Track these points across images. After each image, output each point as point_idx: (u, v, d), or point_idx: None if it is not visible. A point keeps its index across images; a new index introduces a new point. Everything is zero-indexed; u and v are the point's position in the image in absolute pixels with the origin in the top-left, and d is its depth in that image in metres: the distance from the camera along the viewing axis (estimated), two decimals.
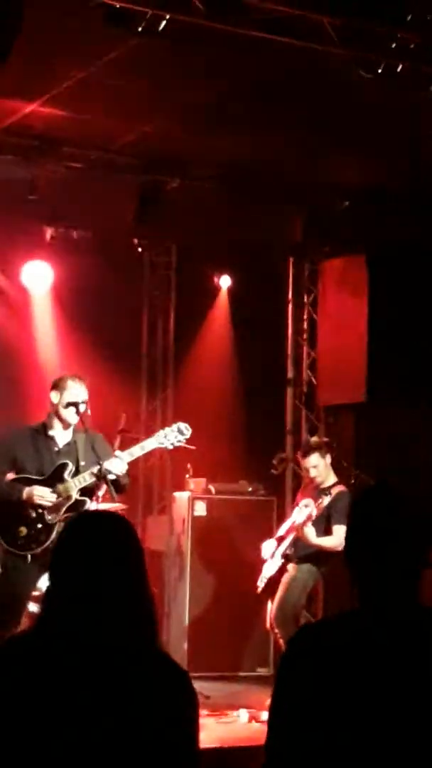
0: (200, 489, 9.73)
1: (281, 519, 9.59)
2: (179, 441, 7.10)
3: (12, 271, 9.83)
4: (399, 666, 2.43)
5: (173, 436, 7.09)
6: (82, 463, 6.83)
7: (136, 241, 9.99)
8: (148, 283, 10.80)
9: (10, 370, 9.46)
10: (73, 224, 9.67)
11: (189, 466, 9.66)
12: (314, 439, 9.25)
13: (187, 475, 9.72)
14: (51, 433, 6.90)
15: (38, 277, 9.83)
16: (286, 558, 8.03)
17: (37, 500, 6.72)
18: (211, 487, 9.74)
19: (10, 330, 9.78)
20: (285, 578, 8.01)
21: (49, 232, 9.66)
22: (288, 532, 8.06)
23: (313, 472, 8.01)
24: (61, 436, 6.92)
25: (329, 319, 10.23)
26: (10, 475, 6.87)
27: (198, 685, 7.94)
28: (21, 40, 5.80)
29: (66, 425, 6.89)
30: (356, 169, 8.80)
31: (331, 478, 8.05)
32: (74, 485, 6.79)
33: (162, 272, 10.83)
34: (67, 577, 2.54)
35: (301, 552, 7.95)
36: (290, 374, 10.70)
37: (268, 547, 8.17)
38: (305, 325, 10.69)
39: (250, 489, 9.92)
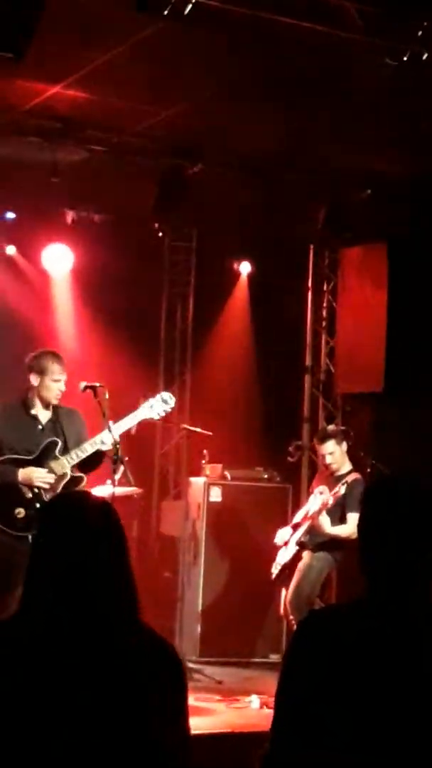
0: (216, 475, 9.73)
1: (296, 506, 9.60)
2: (165, 410, 7.11)
3: (33, 253, 9.84)
4: (403, 657, 2.44)
5: (159, 405, 7.08)
6: (68, 440, 6.85)
7: (156, 225, 9.98)
8: (168, 268, 10.80)
9: (29, 353, 9.46)
10: (95, 208, 9.67)
11: (205, 451, 9.66)
12: (331, 426, 9.25)
13: (203, 461, 9.72)
14: (33, 412, 6.89)
15: (59, 259, 9.84)
16: (301, 545, 8.04)
17: (36, 482, 6.71)
18: (227, 473, 9.75)
19: (30, 312, 9.78)
20: (300, 566, 8.03)
21: (70, 216, 9.67)
22: (303, 519, 8.07)
23: (328, 459, 8.02)
24: (42, 414, 6.91)
25: (349, 308, 10.20)
26: None
27: (210, 670, 7.99)
28: (46, 21, 5.80)
29: (47, 404, 6.89)
30: (380, 158, 8.75)
31: (347, 466, 8.06)
32: (67, 462, 6.79)
33: (182, 257, 10.82)
34: (49, 557, 2.56)
35: (316, 540, 7.96)
36: (308, 362, 10.68)
37: (282, 534, 8.19)
38: (324, 313, 10.67)
39: (266, 476, 9.92)
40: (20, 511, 6.66)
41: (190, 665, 8.68)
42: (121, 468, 6.84)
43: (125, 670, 2.47)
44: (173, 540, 9.96)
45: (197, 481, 9.78)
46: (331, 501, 7.72)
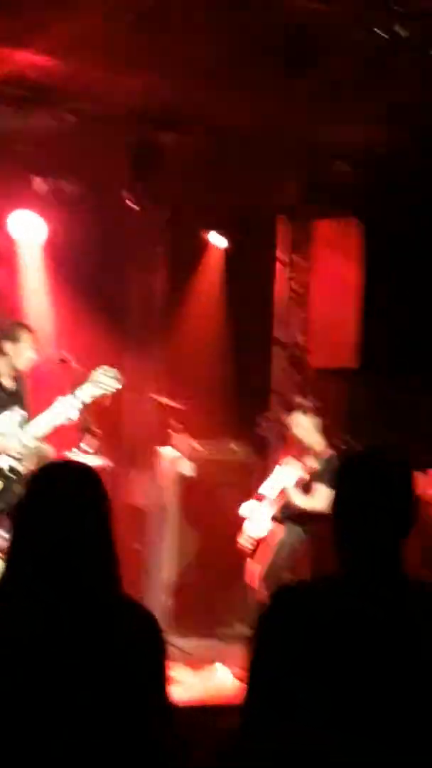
0: (185, 446, 9.72)
1: (264, 479, 9.61)
2: (109, 384, 6.94)
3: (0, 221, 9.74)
4: (379, 633, 2.43)
5: (105, 379, 6.94)
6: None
7: (129, 196, 9.90)
8: (139, 239, 10.73)
9: None
10: (65, 177, 9.58)
11: (173, 421, 9.64)
12: (301, 400, 9.25)
13: (172, 431, 9.70)
14: (2, 380, 6.91)
15: (26, 227, 9.74)
16: (276, 519, 8.03)
17: (11, 452, 6.72)
18: (196, 445, 9.74)
19: None
20: (273, 540, 8.03)
21: (37, 182, 9.56)
22: (278, 497, 8.07)
23: (297, 431, 7.99)
24: (8, 383, 6.94)
25: (321, 282, 10.19)
26: None
27: (180, 642, 7.96)
28: None
29: (17, 373, 6.90)
30: (355, 133, 8.72)
31: (317, 440, 8.03)
32: (34, 432, 6.77)
33: (154, 229, 10.75)
34: (34, 525, 2.53)
35: (288, 513, 7.96)
36: (278, 334, 10.66)
37: (248, 505, 8.19)
38: (294, 286, 10.63)
39: (235, 448, 9.92)
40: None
41: None
42: (87, 437, 6.80)
43: (109, 641, 2.46)
44: (141, 511, 9.95)
45: (166, 452, 9.76)
46: (305, 475, 7.73)
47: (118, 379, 7.00)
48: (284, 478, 7.97)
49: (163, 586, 9.42)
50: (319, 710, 2.39)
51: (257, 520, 8.09)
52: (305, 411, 8.05)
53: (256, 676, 2.51)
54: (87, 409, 6.83)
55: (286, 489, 7.83)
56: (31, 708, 2.39)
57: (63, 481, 2.61)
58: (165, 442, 9.86)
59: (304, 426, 7.97)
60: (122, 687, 2.43)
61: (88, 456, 7.05)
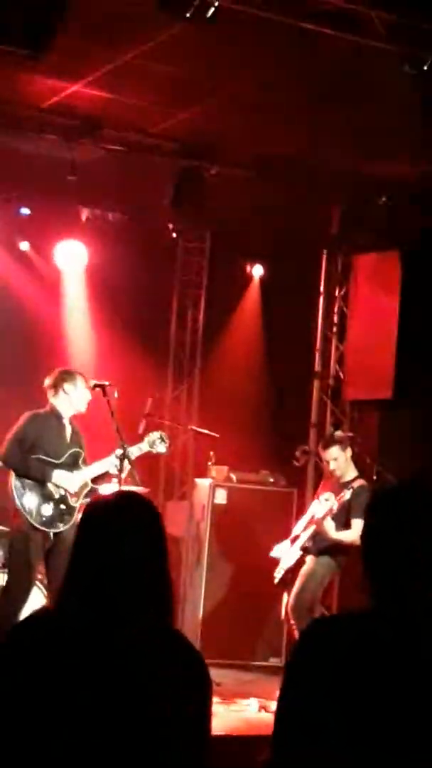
0: (222, 477, 9.74)
1: (301, 511, 9.59)
2: (161, 449, 7.67)
3: (46, 249, 9.87)
4: (409, 668, 2.42)
5: (159, 444, 7.61)
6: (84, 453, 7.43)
7: (171, 226, 9.99)
8: (180, 269, 10.81)
9: (37, 348, 9.49)
10: (110, 206, 9.69)
11: (212, 453, 9.66)
12: (337, 432, 9.25)
13: (210, 462, 9.72)
14: (64, 421, 7.39)
15: (71, 256, 9.86)
16: (305, 550, 8.04)
17: (67, 485, 7.23)
18: (233, 476, 9.75)
19: (40, 308, 9.82)
20: (303, 570, 8.03)
21: (84, 213, 9.70)
22: (307, 526, 8.07)
23: (332, 465, 8.02)
24: (69, 425, 7.42)
25: (360, 314, 10.20)
26: None
27: (209, 672, 7.91)
28: (68, 19, 5.81)
29: (71, 415, 7.39)
30: (397, 165, 8.75)
31: (351, 473, 8.04)
32: (89, 474, 7.33)
33: (195, 259, 10.84)
34: (90, 554, 2.56)
35: (320, 544, 7.96)
36: (317, 367, 10.66)
37: (281, 547, 8.20)
38: (335, 319, 10.66)
39: (271, 480, 9.92)
40: (46, 508, 7.18)
41: None
42: (128, 467, 7.06)
43: (149, 676, 2.47)
44: (177, 541, 9.96)
45: (203, 483, 9.79)
46: (336, 506, 7.72)
47: (168, 447, 7.72)
48: (317, 509, 7.98)
49: (195, 615, 9.42)
50: (349, 744, 2.39)
51: (295, 553, 8.09)
52: (338, 443, 8.07)
53: (286, 708, 2.52)
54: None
55: (318, 519, 7.83)
56: (68, 736, 2.41)
57: (118, 508, 2.64)
58: (202, 472, 9.89)
59: (337, 458, 7.99)
60: (162, 721, 2.44)
61: (126, 485, 7.18)
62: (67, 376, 7.42)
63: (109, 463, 7.30)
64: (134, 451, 7.36)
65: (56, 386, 7.35)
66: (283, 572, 8.10)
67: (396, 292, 9.53)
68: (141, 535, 2.58)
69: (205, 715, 2.54)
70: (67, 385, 7.33)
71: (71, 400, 7.33)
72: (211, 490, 9.62)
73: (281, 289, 10.59)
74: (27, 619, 2.67)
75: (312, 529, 7.96)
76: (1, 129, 8.28)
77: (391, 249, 9.72)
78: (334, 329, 10.64)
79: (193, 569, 9.64)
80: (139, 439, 7.53)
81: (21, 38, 5.78)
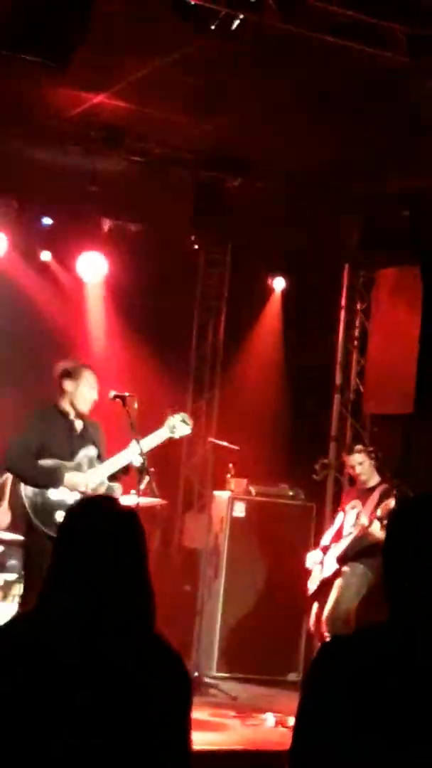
0: (240, 490, 9.71)
1: (320, 525, 9.56)
2: (184, 432, 7.19)
3: (67, 260, 9.88)
4: (425, 684, 2.40)
5: (180, 427, 7.16)
6: (100, 450, 7.02)
7: (192, 238, 9.99)
8: (201, 281, 10.81)
9: (58, 359, 9.47)
10: (131, 218, 9.71)
11: (231, 465, 9.65)
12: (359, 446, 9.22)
13: (229, 475, 9.71)
14: (71, 418, 7.01)
15: (93, 267, 9.88)
16: (342, 559, 7.96)
17: (81, 488, 6.83)
18: (252, 489, 9.73)
19: (63, 319, 9.83)
20: (338, 582, 7.96)
21: (106, 224, 9.71)
22: (335, 538, 8.04)
23: (357, 469, 8.05)
24: (77, 421, 7.04)
25: (381, 328, 10.17)
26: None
27: (226, 686, 7.93)
28: (91, 31, 5.83)
29: (79, 413, 7.00)
30: (418, 179, 8.73)
31: (375, 478, 8.08)
32: (104, 472, 6.94)
33: (216, 271, 10.83)
34: (68, 560, 2.56)
35: (356, 549, 7.90)
36: (338, 381, 10.64)
37: (313, 556, 8.15)
38: (356, 333, 10.63)
39: (290, 493, 9.89)
40: (60, 515, 6.69)
41: (207, 680, 8.66)
42: (146, 479, 6.89)
43: (128, 678, 2.47)
44: (195, 553, 9.95)
45: (221, 495, 9.77)
46: (380, 512, 7.71)
47: (190, 426, 7.24)
48: (347, 519, 7.96)
49: (213, 628, 9.39)
50: (366, 760, 2.37)
51: (331, 564, 8.03)
52: (363, 449, 8.11)
53: (301, 725, 2.50)
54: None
55: (363, 527, 7.79)
56: (42, 730, 2.41)
57: (99, 515, 2.64)
58: (221, 485, 9.87)
59: (363, 463, 8.03)
60: (133, 725, 2.43)
61: (144, 497, 7.08)
62: (68, 371, 7.04)
63: (125, 458, 6.89)
64: (153, 441, 6.99)
65: (58, 382, 7.01)
66: (318, 583, 8.04)
67: (417, 307, 9.50)
68: (123, 539, 2.58)
69: (185, 723, 2.53)
70: (66, 382, 7.00)
71: (72, 399, 6.98)
72: (229, 502, 9.60)
73: (302, 302, 10.58)
74: (8, 623, 2.66)
75: (347, 540, 7.91)
76: (24, 139, 8.32)
77: (413, 263, 9.69)
78: (355, 343, 10.61)
79: (211, 582, 9.61)
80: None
81: (44, 49, 5.80)
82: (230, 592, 9.44)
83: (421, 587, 2.48)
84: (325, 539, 8.25)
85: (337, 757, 2.38)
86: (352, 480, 8.12)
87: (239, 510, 9.60)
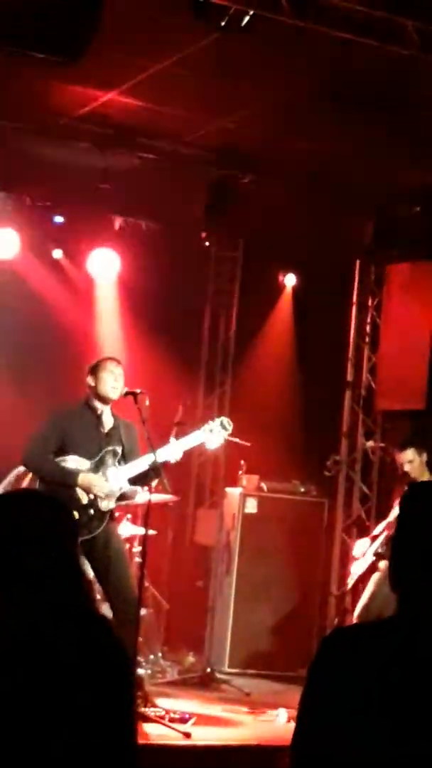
0: (252, 486, 9.72)
1: (332, 521, 9.57)
2: (222, 437, 7.11)
3: (79, 257, 9.90)
4: (427, 676, 2.38)
5: (218, 430, 7.08)
6: (126, 451, 6.92)
7: (204, 235, 9.99)
8: (213, 278, 10.81)
9: (71, 356, 9.50)
10: (143, 215, 9.71)
11: (242, 462, 9.65)
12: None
13: (240, 472, 9.71)
14: (99, 414, 6.93)
15: (104, 265, 9.89)
16: (379, 556, 7.93)
17: (95, 489, 6.76)
18: (264, 485, 9.73)
19: (74, 316, 9.85)
20: (375, 577, 7.92)
21: (118, 222, 9.72)
22: (383, 530, 7.98)
23: (407, 467, 7.83)
24: (107, 418, 6.96)
25: (392, 324, 10.17)
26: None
27: (238, 681, 7.93)
28: (103, 27, 5.83)
29: (106, 401, 6.90)
30: (430, 175, 8.72)
31: (426, 476, 7.84)
32: (124, 474, 6.86)
33: (228, 267, 10.83)
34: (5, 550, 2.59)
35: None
36: (350, 377, 10.63)
37: (360, 545, 8.12)
38: (368, 329, 10.62)
39: (302, 489, 9.90)
40: (75, 515, 6.63)
41: (219, 676, 8.67)
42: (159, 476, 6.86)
43: (61, 664, 2.46)
44: (207, 549, 9.96)
45: (233, 492, 9.77)
46: None
47: (229, 429, 7.11)
48: (393, 514, 7.88)
49: (225, 624, 9.40)
50: (368, 751, 2.36)
51: (368, 559, 7.98)
52: (414, 445, 7.90)
53: (303, 716, 2.50)
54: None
55: (392, 523, 7.71)
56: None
57: (14, 510, 2.66)
58: (233, 481, 9.88)
59: (413, 461, 7.83)
60: (75, 715, 2.43)
61: (156, 493, 7.08)
62: (92, 366, 6.98)
63: (145, 463, 6.77)
64: (187, 443, 6.91)
65: (86, 380, 6.97)
66: (355, 579, 8.00)
67: (429, 303, 9.50)
68: (45, 532, 2.59)
69: (123, 704, 2.52)
70: (90, 377, 6.94)
71: (97, 390, 6.88)
72: (241, 499, 9.61)
73: (314, 298, 10.57)
74: None
75: (386, 534, 7.86)
76: (35, 137, 8.33)
77: (425, 259, 9.69)
78: (367, 339, 10.60)
79: (223, 578, 9.62)
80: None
81: (56, 46, 5.80)
82: (242, 588, 9.45)
83: (427, 577, 2.45)
84: (378, 528, 8.15)
85: (339, 748, 2.38)
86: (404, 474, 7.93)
87: (251, 506, 9.61)
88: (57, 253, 9.85)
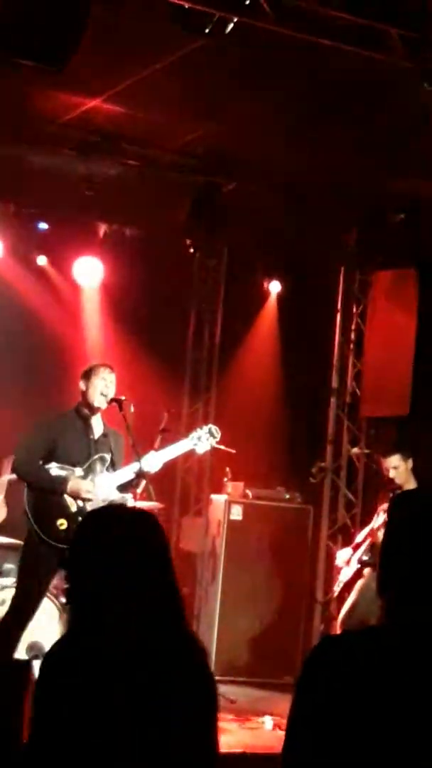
0: (237, 493, 9.72)
1: (317, 527, 9.56)
2: (210, 444, 7.14)
3: (63, 264, 9.89)
4: (418, 683, 2.38)
5: (205, 438, 7.11)
6: (114, 459, 6.90)
7: (188, 242, 10.00)
8: (197, 285, 10.81)
9: (57, 363, 9.50)
10: (127, 222, 9.71)
11: (227, 469, 9.65)
12: (354, 450, 9.18)
13: (225, 479, 9.71)
14: (89, 421, 6.92)
15: (89, 272, 9.88)
16: (363, 564, 7.92)
17: (84, 495, 6.73)
18: (249, 492, 9.74)
19: (59, 323, 9.84)
20: (359, 584, 7.91)
21: (102, 229, 9.71)
22: (365, 537, 7.97)
23: (392, 473, 7.78)
24: (96, 425, 6.94)
25: (377, 331, 10.18)
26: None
27: (224, 689, 7.88)
28: (87, 34, 5.82)
29: (96, 408, 6.88)
30: (415, 183, 8.75)
31: (411, 483, 7.81)
32: (113, 481, 6.85)
33: (212, 274, 10.84)
34: (87, 572, 2.55)
35: (377, 557, 7.84)
36: (334, 384, 10.64)
37: (342, 555, 8.11)
38: (352, 336, 10.63)
39: (287, 496, 9.90)
40: (62, 523, 6.64)
41: None
42: (143, 482, 6.87)
43: (157, 677, 2.48)
44: (192, 556, 9.95)
45: (218, 499, 9.77)
46: None
47: (217, 438, 7.17)
48: (376, 522, 7.88)
49: (210, 631, 9.38)
50: (357, 760, 2.36)
51: (352, 566, 7.97)
52: (400, 452, 7.87)
53: (293, 725, 2.50)
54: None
55: (374, 531, 7.72)
56: (87, 738, 2.45)
57: (114, 523, 2.63)
58: (218, 488, 9.87)
59: (398, 467, 7.80)
60: (167, 733, 2.45)
61: (140, 500, 7.07)
62: (84, 371, 6.96)
63: (131, 471, 6.80)
64: (173, 451, 6.94)
65: (79, 386, 6.95)
66: (341, 586, 7.98)
67: (413, 310, 9.52)
68: (145, 546, 2.58)
69: (210, 715, 2.64)
70: (82, 382, 6.91)
71: (87, 396, 6.86)
72: (226, 506, 9.60)
73: (298, 305, 10.58)
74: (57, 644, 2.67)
75: (369, 542, 7.85)
76: (19, 143, 8.31)
77: (409, 266, 9.71)
78: (351, 346, 10.62)
79: (208, 585, 9.61)
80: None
81: (40, 53, 5.79)
82: (227, 595, 9.44)
83: (414, 583, 2.45)
84: (359, 537, 8.14)
85: (329, 757, 2.38)
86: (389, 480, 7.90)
87: (236, 513, 9.61)
88: (41, 260, 9.84)
